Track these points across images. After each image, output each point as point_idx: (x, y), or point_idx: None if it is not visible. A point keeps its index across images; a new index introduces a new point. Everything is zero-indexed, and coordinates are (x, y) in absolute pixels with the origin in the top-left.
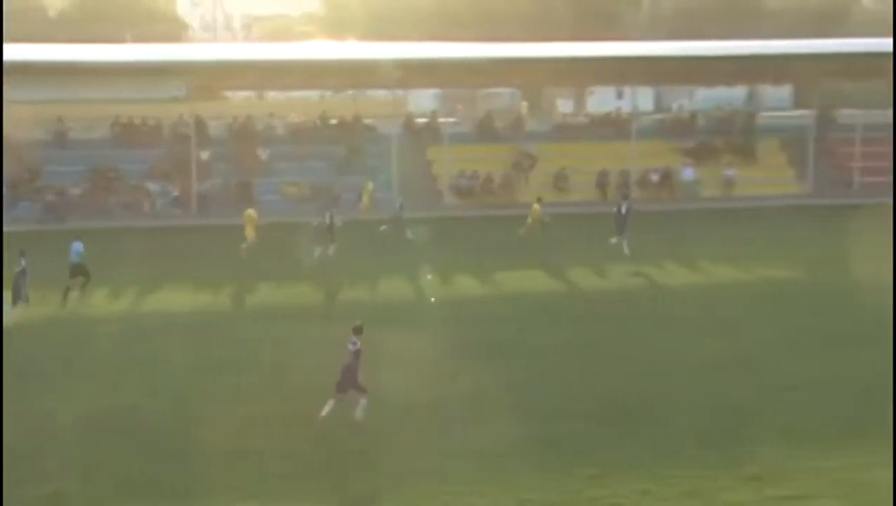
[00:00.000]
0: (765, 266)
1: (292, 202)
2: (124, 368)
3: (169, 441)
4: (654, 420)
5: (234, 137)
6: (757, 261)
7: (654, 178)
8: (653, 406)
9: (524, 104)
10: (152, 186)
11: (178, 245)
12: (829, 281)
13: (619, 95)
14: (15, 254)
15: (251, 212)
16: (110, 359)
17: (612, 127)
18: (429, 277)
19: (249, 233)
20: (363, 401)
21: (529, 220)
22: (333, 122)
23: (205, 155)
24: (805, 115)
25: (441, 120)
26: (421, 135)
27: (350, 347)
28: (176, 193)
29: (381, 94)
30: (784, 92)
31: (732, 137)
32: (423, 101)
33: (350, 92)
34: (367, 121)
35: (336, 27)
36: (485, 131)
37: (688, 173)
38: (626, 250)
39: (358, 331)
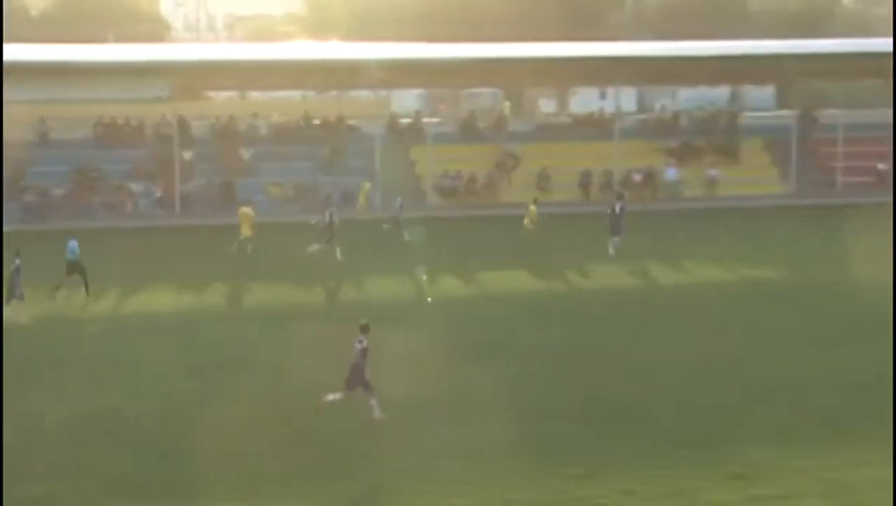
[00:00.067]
0: (748, 266)
1: (276, 202)
2: (109, 368)
3: (154, 442)
4: (639, 420)
5: (217, 138)
6: (740, 261)
7: (637, 178)
8: (638, 406)
9: (507, 104)
10: (135, 187)
11: (161, 245)
12: (813, 281)
13: (602, 95)
14: (10, 254)
15: (247, 210)
16: (95, 359)
17: (595, 127)
18: (424, 276)
19: (245, 231)
20: (374, 401)
21: (526, 220)
22: (316, 122)
23: (188, 155)
24: (788, 115)
25: (424, 120)
26: (404, 135)
27: (357, 345)
28: (159, 193)
29: (364, 94)
30: (767, 92)
31: (715, 137)
32: (406, 101)
33: (333, 92)
34: (351, 121)
35: (319, 27)
36: (468, 131)
37: (671, 173)
38: (611, 250)
39: (365, 329)
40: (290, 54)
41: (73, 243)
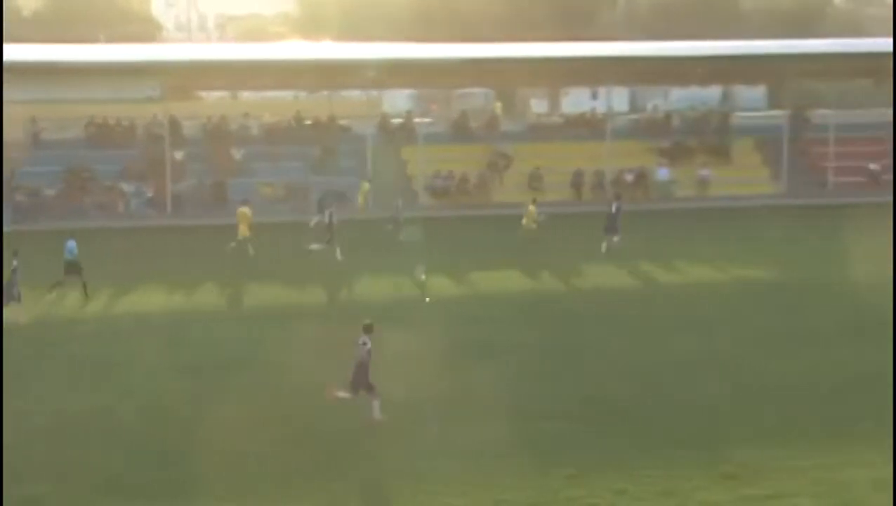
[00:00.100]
0: (740, 266)
1: (267, 202)
2: (100, 368)
3: (155, 442)
4: (631, 420)
5: (208, 138)
6: (732, 261)
7: (629, 178)
8: (629, 406)
9: (498, 104)
10: (127, 187)
11: (153, 245)
12: (805, 281)
13: (594, 95)
14: (8, 255)
15: (245, 209)
16: (86, 359)
17: (587, 127)
18: (423, 277)
19: (243, 231)
20: (376, 402)
21: (524, 220)
22: (308, 122)
23: (179, 155)
24: (779, 115)
25: (416, 120)
26: (396, 135)
27: (360, 345)
28: (150, 193)
29: (355, 94)
30: (758, 92)
31: (707, 137)
32: (397, 101)
33: (325, 92)
34: (342, 121)
35: (310, 27)
36: (460, 131)
37: (662, 173)
38: (604, 249)
39: (368, 329)
40: (281, 54)
41: (72, 243)
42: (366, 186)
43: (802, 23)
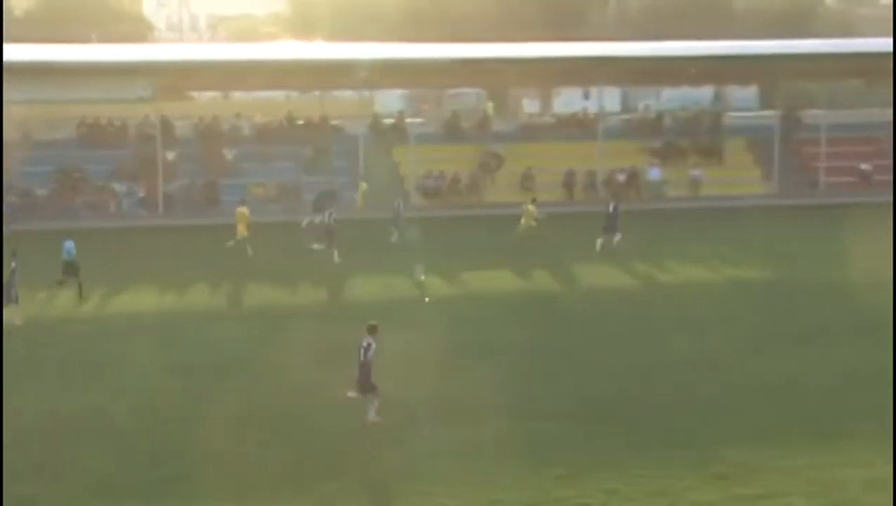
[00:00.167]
0: (732, 266)
1: (259, 202)
2: (93, 368)
3: (139, 442)
4: (623, 420)
5: (200, 138)
6: (724, 261)
7: (621, 178)
8: (621, 406)
9: (490, 104)
10: (118, 187)
11: (145, 246)
12: (796, 280)
13: (586, 96)
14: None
15: (243, 210)
16: (80, 360)
17: (579, 127)
18: (422, 277)
19: (242, 231)
20: (375, 403)
21: (523, 220)
22: (300, 122)
23: (171, 155)
24: (771, 115)
25: (407, 120)
26: (387, 135)
27: (364, 345)
28: (142, 193)
29: (347, 94)
30: (750, 92)
31: (699, 137)
32: (389, 101)
33: (316, 92)
34: (334, 121)
35: (302, 27)
36: (451, 131)
37: (654, 173)
38: (598, 248)
39: (372, 330)
40: (273, 54)
41: (70, 244)
42: (364, 185)
43: (794, 23)
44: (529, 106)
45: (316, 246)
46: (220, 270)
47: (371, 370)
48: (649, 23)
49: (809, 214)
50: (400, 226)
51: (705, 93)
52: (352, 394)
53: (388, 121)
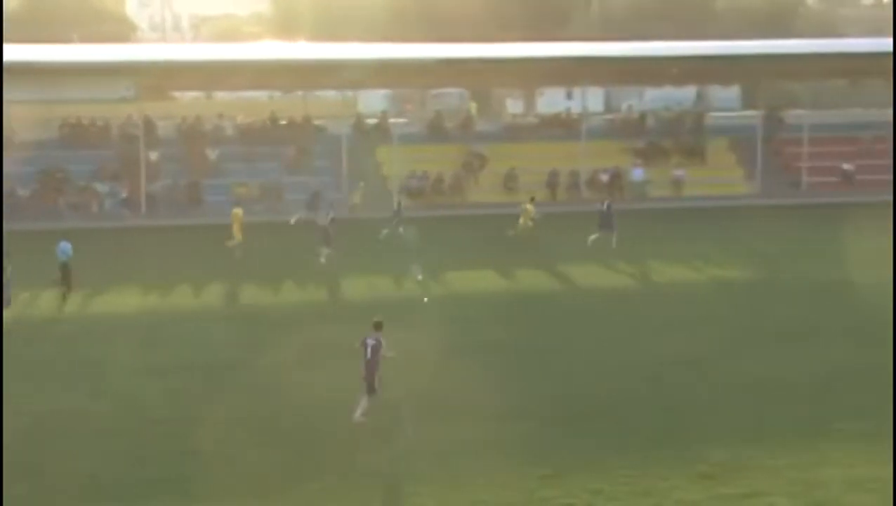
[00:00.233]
0: (715, 266)
1: (242, 202)
2: (77, 369)
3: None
4: (608, 420)
5: (183, 138)
6: (707, 261)
7: (604, 178)
8: (606, 406)
9: (473, 104)
10: (101, 187)
11: (128, 246)
12: (778, 280)
13: (569, 96)
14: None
15: (238, 210)
16: (63, 360)
17: (562, 127)
18: (420, 277)
19: (237, 232)
20: (365, 403)
21: (521, 220)
22: (283, 122)
23: (154, 155)
24: (753, 115)
25: (391, 120)
26: (371, 135)
27: (369, 342)
28: (125, 193)
29: (330, 94)
30: (732, 92)
31: (681, 137)
32: (372, 101)
33: (299, 92)
34: (317, 121)
35: (285, 28)
36: (435, 132)
37: (637, 173)
38: (589, 243)
39: (378, 327)
40: (255, 54)
41: (67, 245)
42: (362, 185)
43: (776, 23)
44: (513, 106)
45: (325, 250)
46: (204, 270)
47: (378, 368)
48: (632, 23)
49: (792, 214)
50: (396, 225)
51: (688, 93)
52: (360, 411)
53: (372, 121)
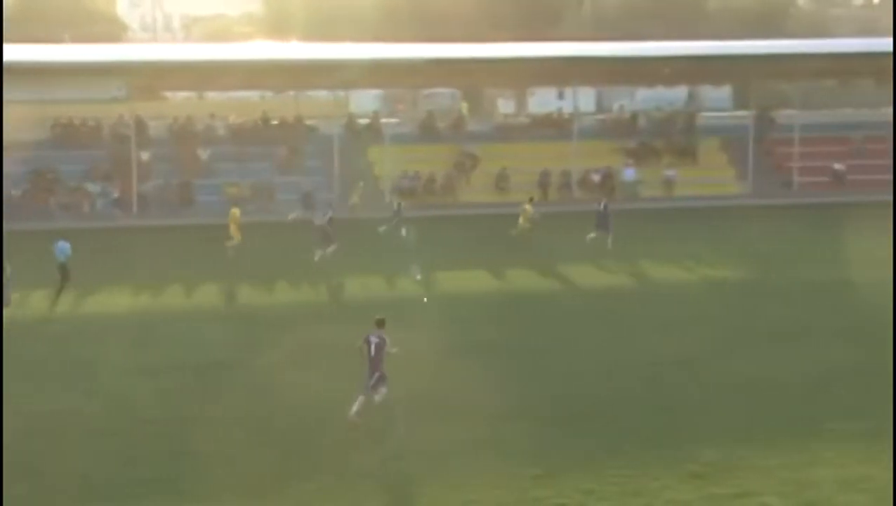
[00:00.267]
0: (706, 266)
1: (233, 202)
2: (69, 368)
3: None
4: (599, 420)
5: (174, 138)
6: (698, 261)
7: (596, 178)
8: (598, 406)
9: (465, 105)
10: (92, 187)
11: (119, 246)
12: (770, 280)
13: (560, 96)
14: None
15: (236, 210)
16: (55, 360)
17: (554, 127)
18: (418, 277)
19: (234, 232)
20: (361, 400)
21: (521, 220)
22: (274, 122)
23: (145, 156)
24: (745, 115)
25: (382, 120)
26: (362, 135)
27: (373, 340)
28: (116, 193)
29: (322, 94)
30: (724, 92)
31: (673, 137)
32: (364, 101)
33: (291, 92)
34: (309, 121)
35: (276, 28)
36: (426, 132)
37: (629, 174)
38: (588, 241)
39: (380, 324)
40: (247, 54)
41: (65, 245)
42: (360, 184)
43: (767, 23)
44: (504, 106)
45: (331, 249)
46: (196, 270)
47: (382, 365)
48: (623, 23)
49: (783, 214)
50: (396, 225)
51: (679, 93)
52: (378, 398)
53: (363, 121)
